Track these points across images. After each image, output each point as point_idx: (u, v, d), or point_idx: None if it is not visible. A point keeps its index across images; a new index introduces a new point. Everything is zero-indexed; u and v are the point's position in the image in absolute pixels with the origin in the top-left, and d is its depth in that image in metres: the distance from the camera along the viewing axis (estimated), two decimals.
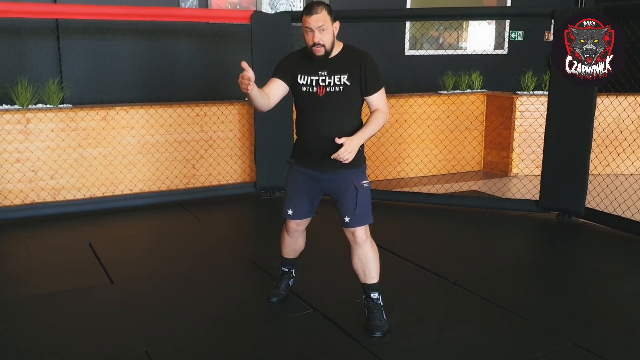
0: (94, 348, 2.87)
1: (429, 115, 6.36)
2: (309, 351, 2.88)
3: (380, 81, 2.92)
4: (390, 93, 4.77)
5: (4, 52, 5.61)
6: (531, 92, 6.46)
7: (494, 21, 8.21)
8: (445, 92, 6.72)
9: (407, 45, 7.68)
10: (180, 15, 5.55)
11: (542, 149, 4.94)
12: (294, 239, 3.26)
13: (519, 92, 6.52)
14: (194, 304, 3.36)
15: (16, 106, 5.01)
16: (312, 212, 3.13)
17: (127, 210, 5.22)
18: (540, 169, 5.02)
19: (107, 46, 6.03)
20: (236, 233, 4.88)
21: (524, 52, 8.04)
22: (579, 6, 4.81)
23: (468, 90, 6.81)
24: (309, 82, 2.87)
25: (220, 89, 6.36)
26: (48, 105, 5.13)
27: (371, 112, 2.92)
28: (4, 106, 5.01)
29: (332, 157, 2.74)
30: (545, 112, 4.90)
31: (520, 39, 8.31)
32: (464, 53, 7.95)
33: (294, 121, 3.09)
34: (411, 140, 6.48)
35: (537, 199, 5.06)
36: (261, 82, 2.90)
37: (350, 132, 2.84)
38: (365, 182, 2.95)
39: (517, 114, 6.45)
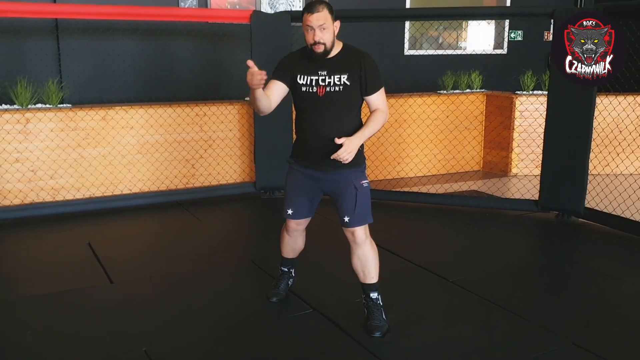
0: (93, 348, 2.87)
1: (429, 115, 6.36)
2: (308, 351, 2.88)
3: (380, 81, 2.92)
4: (389, 93, 4.76)
5: (3, 51, 5.61)
6: (531, 92, 6.47)
7: (493, 21, 8.21)
8: (445, 92, 6.72)
9: (406, 45, 7.68)
10: (179, 15, 5.55)
11: (542, 148, 4.94)
12: (294, 239, 3.26)
13: (518, 92, 6.53)
14: (193, 304, 3.36)
15: (15, 106, 5.00)
16: (312, 212, 3.13)
17: (126, 210, 5.22)
18: (540, 168, 5.02)
19: (106, 46, 6.03)
20: (236, 233, 4.88)
21: (523, 52, 8.04)
22: (579, 6, 4.81)
23: (467, 90, 6.81)
24: (308, 82, 2.87)
25: (219, 88, 6.36)
26: (47, 105, 5.13)
27: (371, 112, 2.92)
28: (4, 106, 5.01)
29: (332, 157, 2.74)
30: (545, 112, 4.90)
31: (519, 38, 8.31)
32: (464, 53, 7.95)
33: (294, 121, 3.09)
34: (411, 140, 6.49)
35: (537, 198, 5.06)
36: None
37: (350, 132, 2.84)
38: (364, 182, 2.96)
39: (517, 113, 6.45)
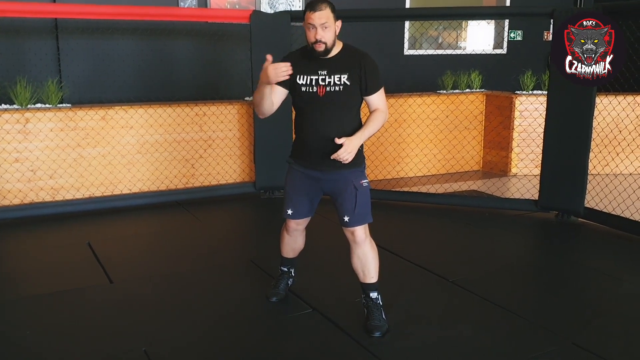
0: (93, 348, 2.87)
1: (428, 115, 6.36)
2: (308, 351, 2.88)
3: (380, 81, 2.92)
4: (389, 93, 4.76)
5: (3, 51, 5.61)
6: (530, 92, 6.47)
7: (493, 21, 8.21)
8: (445, 91, 6.72)
9: (406, 45, 7.68)
10: (179, 15, 5.55)
11: (542, 148, 4.94)
12: (294, 239, 3.26)
13: (518, 92, 6.53)
14: (193, 304, 3.36)
15: (15, 106, 5.00)
16: (311, 211, 3.13)
17: (126, 210, 5.21)
18: (540, 168, 5.02)
19: (106, 46, 6.03)
20: (235, 233, 4.88)
21: (523, 51, 8.04)
22: (578, 6, 4.81)
23: (467, 90, 6.81)
24: (308, 82, 2.86)
25: (219, 88, 6.35)
26: (47, 105, 5.13)
27: (370, 112, 2.92)
28: (3, 106, 5.01)
29: (332, 157, 2.74)
30: (545, 112, 4.90)
31: (519, 38, 8.32)
32: (463, 53, 7.95)
33: (293, 121, 3.09)
34: (410, 140, 6.49)
35: (537, 198, 5.06)
36: None
37: (350, 132, 2.84)
38: (364, 182, 2.96)
39: (517, 113, 6.45)
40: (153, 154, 5.48)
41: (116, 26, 5.95)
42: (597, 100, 5.01)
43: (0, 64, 5.55)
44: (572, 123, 4.71)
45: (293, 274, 3.46)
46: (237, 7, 6.59)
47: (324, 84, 2.84)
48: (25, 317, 3.21)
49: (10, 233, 4.64)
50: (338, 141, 2.72)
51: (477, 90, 6.87)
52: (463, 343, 2.93)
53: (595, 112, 4.76)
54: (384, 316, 3.03)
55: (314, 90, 2.85)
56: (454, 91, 6.73)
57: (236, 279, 3.74)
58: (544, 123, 4.91)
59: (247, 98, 5.94)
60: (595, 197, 5.10)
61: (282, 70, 2.66)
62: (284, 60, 2.97)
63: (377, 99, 2.92)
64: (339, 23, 2.85)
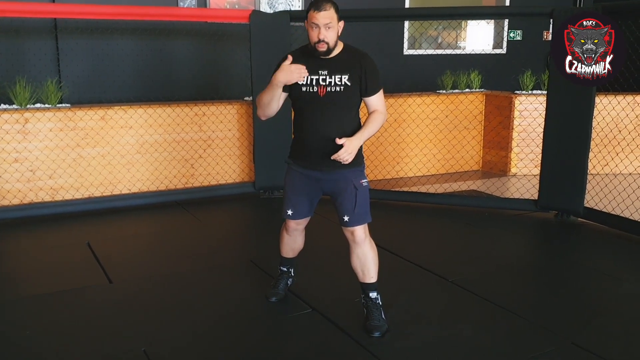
0: (92, 348, 2.87)
1: (428, 115, 6.36)
2: (307, 351, 2.88)
3: (380, 82, 2.92)
4: (388, 92, 4.76)
5: (2, 51, 5.61)
6: (530, 92, 6.47)
7: (492, 20, 8.21)
8: (444, 91, 6.72)
9: (405, 45, 7.68)
10: (178, 15, 5.55)
11: (541, 148, 4.94)
12: (293, 239, 3.26)
13: (517, 92, 6.53)
14: (193, 304, 3.36)
15: (14, 106, 5.00)
16: (311, 211, 3.12)
17: (125, 210, 5.21)
18: (539, 168, 5.02)
19: (105, 46, 6.03)
20: (235, 233, 4.88)
21: (522, 51, 8.04)
22: (578, 6, 4.80)
23: (467, 90, 6.81)
24: (309, 82, 2.86)
25: (219, 88, 6.36)
26: (46, 105, 5.12)
27: (369, 113, 2.92)
28: (2, 106, 5.01)
29: (332, 157, 2.74)
30: (544, 112, 4.90)
31: (518, 38, 8.32)
32: (463, 52, 7.95)
33: (292, 121, 3.09)
34: (410, 139, 6.48)
35: (536, 198, 5.06)
36: (260, 82, 2.89)
37: (350, 133, 2.84)
38: (364, 182, 2.96)
39: (516, 113, 6.45)
40: (152, 154, 5.48)
41: (115, 26, 5.95)
42: (597, 100, 5.01)
43: None
44: (571, 123, 4.71)
45: (292, 274, 3.46)
46: (236, 7, 6.59)
47: (324, 84, 2.84)
48: (25, 317, 3.20)
49: (9, 233, 4.64)
50: (339, 141, 2.72)
51: (477, 90, 6.87)
52: (463, 343, 2.93)
53: (595, 112, 4.76)
54: (383, 316, 3.03)
55: (315, 90, 2.85)
56: (454, 91, 6.73)
57: (236, 279, 3.74)
58: (543, 123, 4.91)
59: (246, 98, 5.94)
60: (595, 197, 5.10)
61: (300, 72, 2.73)
62: (284, 59, 2.97)
63: (377, 100, 2.92)
64: (341, 24, 2.85)
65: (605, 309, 3.31)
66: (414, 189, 5.97)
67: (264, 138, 5.39)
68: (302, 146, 2.96)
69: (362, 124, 2.93)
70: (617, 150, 6.11)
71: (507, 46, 8.30)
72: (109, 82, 6.04)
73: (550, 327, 3.06)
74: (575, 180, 4.76)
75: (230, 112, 5.74)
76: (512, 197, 5.54)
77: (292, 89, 2.90)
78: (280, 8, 6.75)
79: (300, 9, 6.82)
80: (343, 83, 2.84)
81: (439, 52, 7.71)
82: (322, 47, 2.79)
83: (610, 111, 5.72)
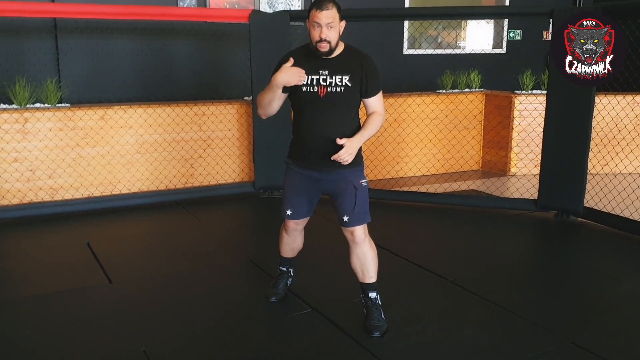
0: (92, 348, 2.87)
1: (428, 115, 6.36)
2: (307, 351, 2.87)
3: (380, 84, 2.92)
4: (388, 92, 4.76)
5: (1, 51, 5.60)
6: (530, 92, 6.46)
7: (492, 20, 8.21)
8: (444, 91, 6.71)
9: (405, 45, 7.68)
10: (178, 15, 5.54)
11: (541, 148, 4.94)
12: (293, 238, 3.26)
13: (517, 92, 6.52)
14: (192, 304, 3.36)
15: (14, 105, 5.00)
16: (310, 211, 3.12)
17: (125, 210, 5.21)
18: (539, 168, 5.02)
19: (105, 45, 6.03)
20: (235, 232, 4.87)
21: (522, 51, 8.04)
22: (577, 5, 4.80)
23: (466, 90, 6.81)
24: (309, 82, 2.85)
25: (218, 88, 6.35)
26: (46, 105, 5.12)
27: (368, 115, 2.92)
28: (2, 105, 5.00)
29: (332, 158, 2.74)
30: (544, 111, 4.90)
31: (518, 38, 8.31)
32: (463, 52, 7.95)
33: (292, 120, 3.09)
34: (410, 139, 6.48)
35: (536, 198, 5.06)
36: (260, 82, 2.89)
37: (350, 133, 2.84)
38: (363, 181, 2.96)
39: (516, 113, 6.45)
40: (152, 153, 5.47)
41: (115, 26, 5.95)
42: (597, 99, 5.01)
43: None
44: (571, 122, 4.71)
45: (292, 274, 3.46)
46: (236, 6, 6.58)
47: (325, 84, 2.84)
48: (25, 317, 3.20)
49: (9, 233, 4.63)
50: (339, 142, 2.72)
51: (477, 89, 6.87)
52: (462, 343, 2.93)
53: (595, 112, 4.76)
54: (383, 316, 3.02)
55: (315, 90, 2.85)
56: (453, 91, 6.73)
57: (235, 278, 3.74)
58: (543, 122, 4.91)
59: (246, 98, 5.94)
60: (595, 197, 5.10)
61: (300, 75, 2.74)
62: (284, 58, 2.97)
63: (376, 102, 2.92)
64: (343, 23, 2.84)
65: (605, 309, 3.31)
66: (414, 188, 5.97)
67: (264, 138, 5.39)
68: (301, 146, 2.96)
69: (361, 124, 2.93)
70: (617, 150, 6.11)
71: (506, 46, 8.29)
72: (109, 82, 6.04)
73: (550, 327, 3.06)
74: (575, 180, 4.76)
75: (230, 112, 5.74)
76: (511, 196, 5.54)
77: (292, 90, 2.90)
78: (280, 8, 6.75)
79: (300, 8, 6.82)
80: (344, 84, 2.83)
81: (439, 51, 7.71)
82: (324, 47, 2.78)
83: (610, 111, 5.72)
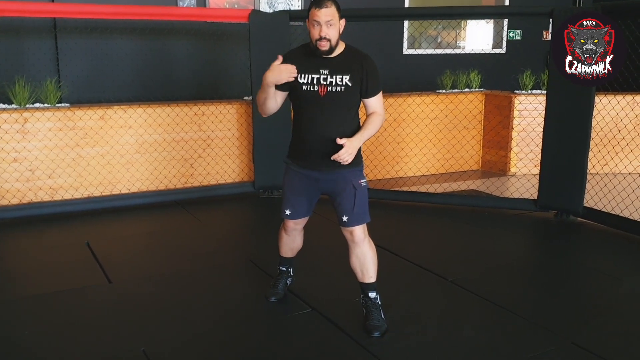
0: (91, 348, 2.87)
1: (427, 115, 6.35)
2: (307, 351, 2.87)
3: (380, 84, 2.92)
4: (388, 92, 4.75)
5: (1, 51, 5.60)
6: (529, 91, 6.46)
7: (492, 20, 8.21)
8: (444, 91, 6.71)
9: (405, 44, 7.68)
10: (178, 14, 5.54)
11: (541, 148, 4.94)
12: (292, 238, 3.26)
13: (517, 91, 6.52)
14: (192, 304, 3.36)
15: (13, 105, 4.99)
16: (310, 211, 3.12)
17: (125, 210, 5.21)
18: (539, 168, 5.02)
19: (104, 45, 6.02)
20: (234, 232, 4.87)
21: (522, 51, 8.03)
22: (577, 5, 4.80)
23: (466, 90, 6.80)
24: (309, 81, 2.85)
25: (218, 88, 6.35)
26: (45, 105, 5.12)
27: (368, 115, 2.92)
28: (2, 105, 5.00)
29: (332, 158, 2.74)
30: (544, 111, 4.90)
31: (518, 38, 8.31)
32: (462, 52, 7.95)
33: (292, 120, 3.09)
34: (409, 139, 6.48)
35: (536, 198, 5.06)
36: (260, 81, 2.89)
37: (350, 133, 2.84)
38: (363, 182, 2.95)
39: (516, 113, 6.45)
40: (152, 153, 5.47)
41: (115, 26, 5.94)
42: (597, 99, 5.00)
43: None
44: (571, 122, 4.71)
45: (292, 274, 3.46)
46: (236, 6, 6.58)
47: (325, 83, 2.84)
48: (24, 317, 3.20)
49: (8, 233, 4.63)
50: (339, 141, 2.72)
51: (476, 89, 6.86)
52: (462, 342, 2.93)
53: (595, 112, 4.75)
54: (383, 316, 3.02)
55: (315, 90, 2.84)
56: (453, 91, 6.73)
57: (235, 278, 3.74)
58: (543, 122, 4.91)
59: (246, 97, 5.93)
60: (595, 197, 5.10)
61: (289, 71, 2.72)
62: (285, 57, 2.96)
63: (376, 102, 2.92)
64: (343, 22, 2.84)
65: (604, 309, 3.31)
66: (414, 188, 5.97)
67: (264, 138, 5.39)
68: (301, 146, 2.96)
69: (361, 124, 2.93)
70: (617, 150, 6.11)
71: (506, 46, 8.29)
72: (109, 82, 6.03)
73: (550, 327, 3.06)
74: (575, 179, 4.75)
75: (229, 112, 5.73)
76: (511, 196, 5.54)
77: (292, 88, 2.90)
78: (280, 8, 6.75)
79: (299, 8, 6.81)
80: (344, 83, 2.83)
81: (439, 51, 7.71)
82: (324, 46, 2.78)
83: (609, 111, 5.72)
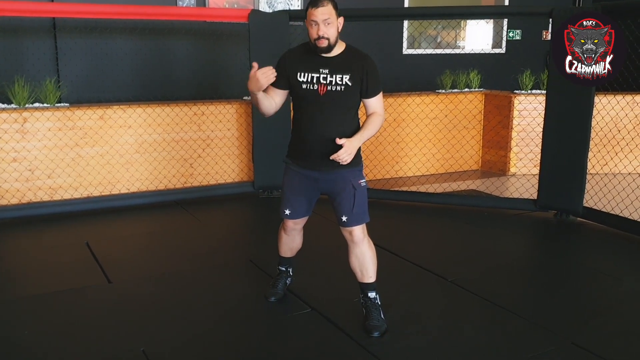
0: (91, 348, 2.87)
1: (427, 115, 6.35)
2: (307, 351, 2.87)
3: (380, 85, 2.92)
4: (388, 92, 4.75)
5: (0, 50, 5.60)
6: (529, 91, 6.46)
7: (491, 20, 8.21)
8: (443, 91, 6.71)
9: (404, 44, 7.68)
10: (177, 14, 5.54)
11: (540, 148, 4.94)
12: (292, 238, 3.26)
13: (517, 91, 6.52)
14: (192, 304, 3.35)
15: (13, 105, 4.99)
16: (309, 211, 3.12)
17: (124, 210, 5.20)
18: (538, 168, 5.02)
19: (104, 45, 6.02)
20: (234, 232, 4.87)
21: (521, 51, 8.03)
22: (577, 5, 4.80)
23: (466, 90, 6.80)
24: (309, 80, 2.85)
25: (218, 88, 6.35)
26: (45, 104, 5.11)
27: (368, 115, 2.92)
28: (1, 105, 5.00)
29: (331, 158, 2.74)
30: (543, 111, 4.90)
31: (518, 38, 8.31)
32: (462, 52, 7.95)
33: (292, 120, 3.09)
34: (409, 139, 6.48)
35: (535, 198, 5.06)
36: None
37: (349, 133, 2.84)
38: (362, 182, 2.95)
39: (515, 113, 6.45)
40: (151, 153, 5.47)
41: (114, 25, 5.94)
42: (596, 99, 5.00)
43: None
44: (571, 122, 4.71)
45: (291, 274, 3.46)
46: (235, 6, 6.58)
47: (325, 82, 2.84)
48: (24, 317, 3.20)
49: (8, 233, 4.63)
50: (339, 141, 2.72)
51: (476, 89, 6.86)
52: (462, 342, 2.93)
53: (594, 112, 4.75)
54: (382, 316, 3.02)
55: (315, 88, 2.84)
56: (453, 90, 6.73)
57: (235, 278, 3.73)
58: (542, 122, 4.91)
59: (245, 97, 5.93)
60: (594, 197, 5.11)
61: (267, 76, 2.66)
62: (285, 56, 2.96)
63: (376, 102, 2.92)
64: (341, 20, 2.84)
65: (604, 309, 3.31)
66: (413, 188, 5.97)
67: (263, 137, 5.39)
68: (301, 146, 2.96)
69: (360, 124, 2.93)
70: (616, 149, 6.11)
71: (506, 46, 8.29)
72: (108, 82, 6.03)
73: (550, 327, 3.06)
74: (575, 179, 4.75)
75: (229, 112, 5.73)
76: (511, 196, 5.54)
77: (292, 87, 2.90)
78: (279, 7, 6.75)
79: (299, 8, 6.81)
80: (344, 83, 2.83)
81: (438, 51, 7.70)
82: (323, 43, 2.78)
83: (609, 111, 5.72)
